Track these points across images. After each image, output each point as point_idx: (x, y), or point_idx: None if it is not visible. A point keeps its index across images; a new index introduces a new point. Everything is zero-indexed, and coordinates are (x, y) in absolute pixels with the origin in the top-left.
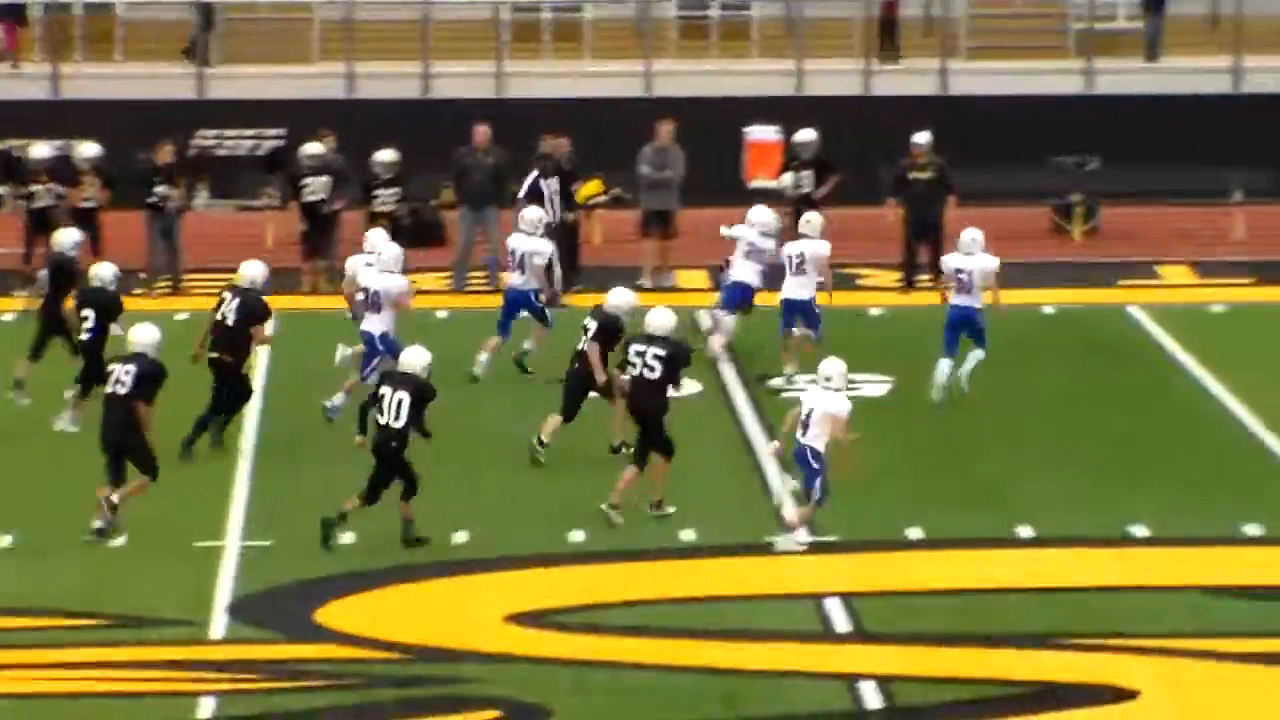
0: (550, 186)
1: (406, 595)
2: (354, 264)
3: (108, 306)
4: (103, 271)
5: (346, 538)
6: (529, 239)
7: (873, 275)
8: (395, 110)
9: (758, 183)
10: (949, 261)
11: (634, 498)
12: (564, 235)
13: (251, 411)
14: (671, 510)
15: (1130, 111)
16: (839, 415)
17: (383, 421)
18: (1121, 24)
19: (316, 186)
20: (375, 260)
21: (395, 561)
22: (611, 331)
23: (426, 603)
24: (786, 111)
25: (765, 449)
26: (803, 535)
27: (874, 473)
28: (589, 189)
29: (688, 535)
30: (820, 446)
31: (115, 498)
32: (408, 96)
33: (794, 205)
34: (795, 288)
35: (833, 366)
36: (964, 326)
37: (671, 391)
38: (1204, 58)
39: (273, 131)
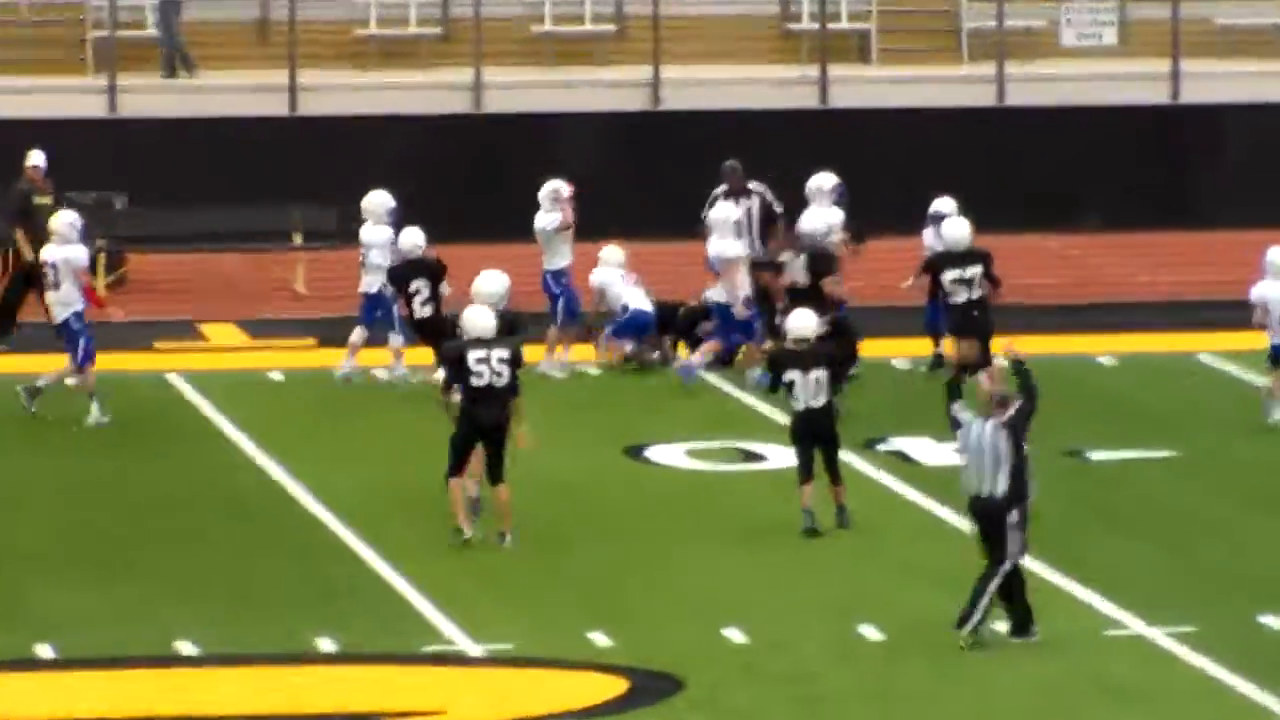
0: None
1: None
2: None
3: (435, 271)
4: (416, 239)
5: None
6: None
7: None
8: None
9: None
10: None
11: None
12: None
13: None
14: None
15: (155, 139)
16: None
17: (801, 405)
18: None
19: None
20: None
21: None
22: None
23: None
24: None
25: None
26: None
27: None
28: None
29: None
30: None
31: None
32: None
33: None
34: None
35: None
36: None
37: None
38: (251, 73)
39: None
